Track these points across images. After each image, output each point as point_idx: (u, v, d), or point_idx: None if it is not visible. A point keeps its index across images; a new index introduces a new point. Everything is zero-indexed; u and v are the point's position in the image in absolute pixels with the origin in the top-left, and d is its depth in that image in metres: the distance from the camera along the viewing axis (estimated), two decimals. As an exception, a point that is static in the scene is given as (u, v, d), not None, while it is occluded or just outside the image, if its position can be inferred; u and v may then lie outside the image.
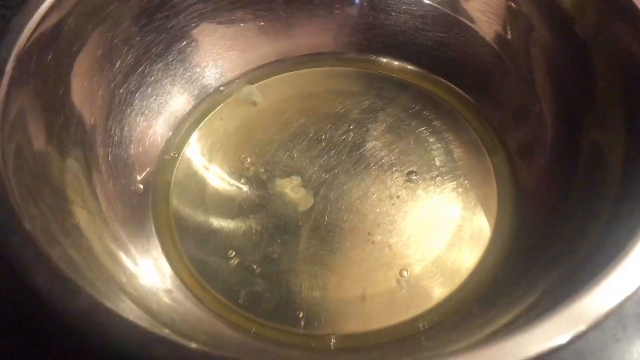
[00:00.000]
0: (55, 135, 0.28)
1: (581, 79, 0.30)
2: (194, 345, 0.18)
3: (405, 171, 0.34)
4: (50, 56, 0.28)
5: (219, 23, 0.36)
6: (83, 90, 0.30)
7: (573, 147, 0.31)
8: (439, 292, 0.30)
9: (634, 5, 0.26)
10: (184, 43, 0.36)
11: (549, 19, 0.31)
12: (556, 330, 0.18)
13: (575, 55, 0.30)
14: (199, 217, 0.33)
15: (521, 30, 0.33)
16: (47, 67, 0.28)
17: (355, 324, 0.29)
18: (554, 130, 0.32)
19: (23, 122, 0.26)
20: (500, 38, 0.34)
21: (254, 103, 0.38)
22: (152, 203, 0.33)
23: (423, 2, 0.37)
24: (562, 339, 0.18)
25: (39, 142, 0.27)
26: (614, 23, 0.28)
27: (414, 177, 0.34)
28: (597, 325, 0.18)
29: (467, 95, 0.37)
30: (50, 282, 0.19)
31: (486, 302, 0.28)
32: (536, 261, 0.28)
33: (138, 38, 0.32)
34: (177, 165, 0.35)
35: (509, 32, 0.33)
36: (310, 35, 0.40)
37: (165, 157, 0.35)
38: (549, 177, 0.32)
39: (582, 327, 0.18)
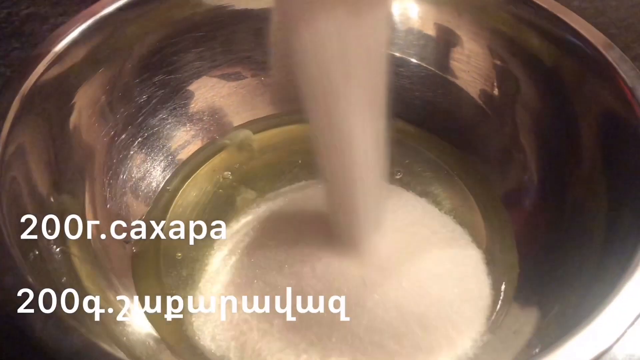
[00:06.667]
0: (53, 180, 0.28)
1: (564, 134, 0.32)
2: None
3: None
4: (52, 103, 0.29)
5: (219, 77, 0.37)
6: (83, 138, 0.31)
7: (557, 197, 0.32)
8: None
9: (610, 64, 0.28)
10: (183, 96, 0.37)
11: (533, 76, 0.33)
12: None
13: (558, 110, 0.32)
14: (189, 269, 0.33)
15: (507, 87, 0.35)
16: (49, 114, 0.29)
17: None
18: (539, 181, 0.33)
19: (22, 163, 0.26)
20: (485, 94, 0.36)
21: (249, 149, 0.39)
22: (140, 252, 0.33)
23: (410, 64, 0.39)
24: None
25: (36, 185, 0.27)
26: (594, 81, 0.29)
27: (403, 228, 0.34)
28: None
29: (454, 149, 0.38)
30: (43, 321, 0.19)
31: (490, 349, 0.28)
32: (537, 308, 0.28)
33: (138, 89, 0.34)
34: (168, 215, 0.35)
35: (495, 89, 0.35)
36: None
37: (158, 205, 0.35)
38: (537, 224, 0.32)
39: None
